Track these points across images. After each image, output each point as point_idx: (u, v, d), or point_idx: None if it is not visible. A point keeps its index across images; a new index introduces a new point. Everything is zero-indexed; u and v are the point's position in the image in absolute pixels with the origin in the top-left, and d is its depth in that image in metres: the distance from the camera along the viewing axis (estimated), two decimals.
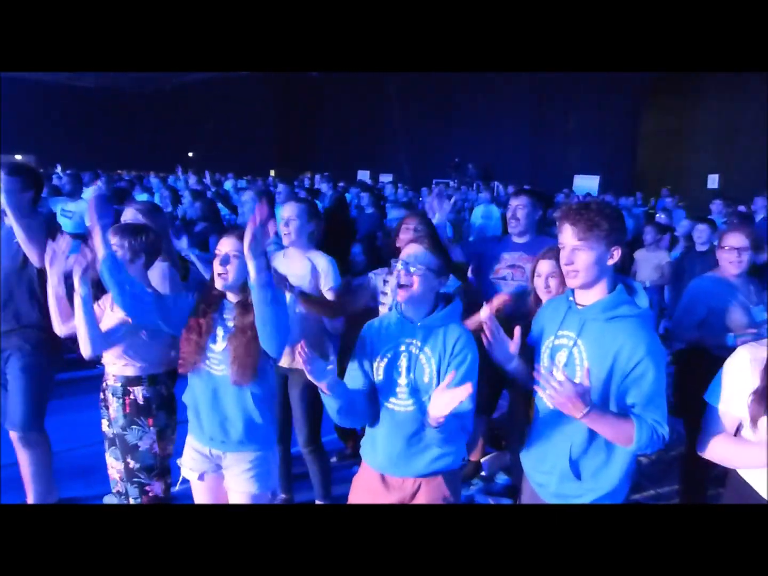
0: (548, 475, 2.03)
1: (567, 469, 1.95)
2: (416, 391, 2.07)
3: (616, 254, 1.90)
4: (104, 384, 2.66)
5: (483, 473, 3.90)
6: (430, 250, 2.10)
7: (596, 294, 1.93)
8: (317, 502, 3.36)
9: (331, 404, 2.03)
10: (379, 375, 2.14)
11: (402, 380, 2.09)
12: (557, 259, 2.08)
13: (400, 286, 2.07)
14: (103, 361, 2.65)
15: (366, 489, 2.21)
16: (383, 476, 2.17)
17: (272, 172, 23.18)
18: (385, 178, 21.11)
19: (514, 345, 2.01)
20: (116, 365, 2.58)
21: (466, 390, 1.78)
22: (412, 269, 2.05)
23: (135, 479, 2.57)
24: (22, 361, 3.02)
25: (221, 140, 26.67)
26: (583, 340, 1.92)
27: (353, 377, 2.17)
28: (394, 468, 2.14)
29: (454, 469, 2.18)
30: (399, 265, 2.08)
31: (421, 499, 2.13)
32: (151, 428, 2.56)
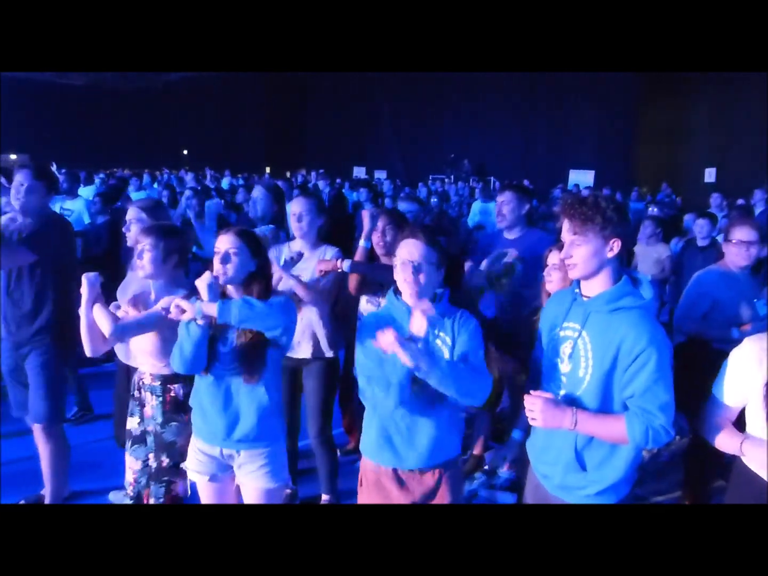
0: (553, 466, 2.04)
1: (572, 460, 1.96)
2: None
3: (616, 246, 1.89)
4: (139, 382, 2.63)
5: (485, 467, 3.91)
6: (429, 245, 2.09)
7: (601, 285, 1.93)
8: (323, 495, 3.39)
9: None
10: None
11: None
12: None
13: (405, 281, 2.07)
14: (137, 361, 2.65)
15: (379, 489, 2.20)
16: (396, 473, 2.17)
17: (267, 170, 23.18)
18: (380, 174, 21.12)
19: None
20: (155, 365, 2.57)
21: None
22: (416, 265, 2.05)
23: (164, 478, 2.55)
24: (42, 357, 3.14)
25: (215, 138, 26.60)
26: (588, 332, 1.93)
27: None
28: (400, 459, 2.14)
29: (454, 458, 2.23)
30: (404, 264, 2.08)
31: (443, 492, 2.16)
32: (188, 424, 2.53)
